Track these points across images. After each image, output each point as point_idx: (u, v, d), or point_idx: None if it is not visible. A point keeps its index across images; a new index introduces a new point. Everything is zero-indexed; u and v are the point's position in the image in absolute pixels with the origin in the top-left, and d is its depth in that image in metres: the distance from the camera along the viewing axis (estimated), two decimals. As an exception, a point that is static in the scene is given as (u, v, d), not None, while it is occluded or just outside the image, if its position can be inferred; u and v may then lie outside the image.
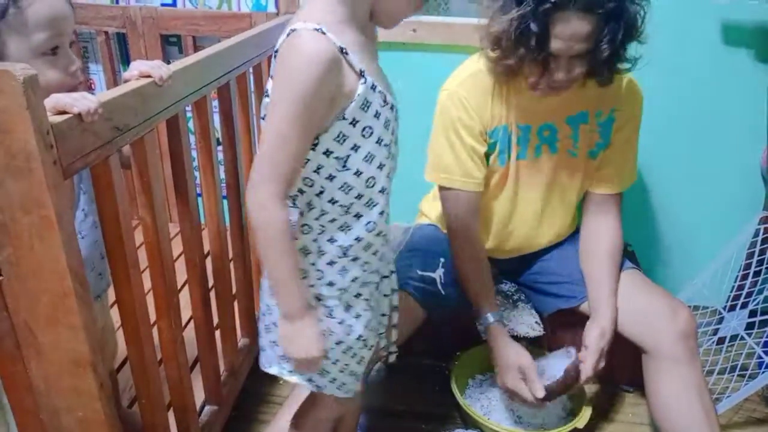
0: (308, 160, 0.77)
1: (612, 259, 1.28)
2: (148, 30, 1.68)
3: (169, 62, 0.92)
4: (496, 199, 1.32)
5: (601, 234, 1.31)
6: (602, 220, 1.31)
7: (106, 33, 1.71)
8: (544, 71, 1.08)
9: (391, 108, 0.82)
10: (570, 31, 1.01)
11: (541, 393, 1.18)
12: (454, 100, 1.21)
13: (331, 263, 0.84)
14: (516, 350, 1.23)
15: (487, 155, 1.26)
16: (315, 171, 0.78)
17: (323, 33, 0.71)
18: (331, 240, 0.83)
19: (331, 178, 0.78)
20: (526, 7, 1.01)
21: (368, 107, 0.76)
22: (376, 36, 0.85)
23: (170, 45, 1.76)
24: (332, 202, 0.80)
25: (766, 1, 1.38)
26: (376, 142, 0.79)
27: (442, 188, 1.29)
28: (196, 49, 1.65)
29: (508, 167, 1.27)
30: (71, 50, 0.83)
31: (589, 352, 1.21)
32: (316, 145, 0.76)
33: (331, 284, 0.85)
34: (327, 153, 0.77)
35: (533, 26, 1.01)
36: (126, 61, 1.79)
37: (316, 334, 0.83)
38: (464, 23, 1.59)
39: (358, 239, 0.83)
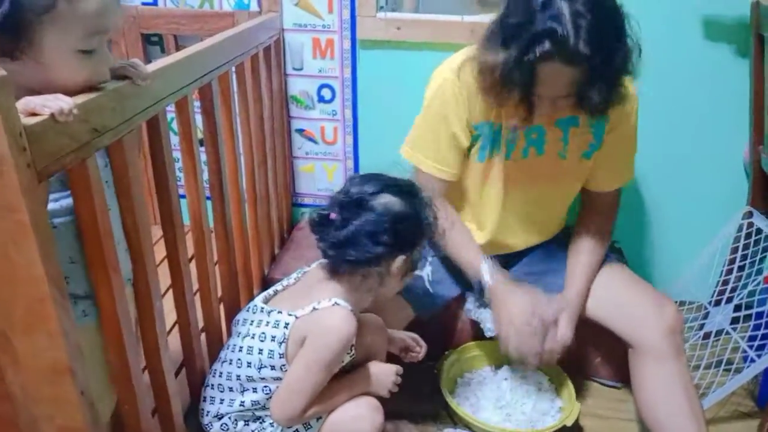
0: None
1: (591, 253, 1.29)
2: (129, 29, 1.66)
3: (149, 62, 0.90)
4: (484, 196, 1.31)
5: (588, 229, 1.31)
6: (593, 216, 1.32)
7: (86, 33, 1.68)
8: (529, 112, 1.08)
9: (351, 354, 1.09)
10: (555, 79, 1.01)
11: (552, 315, 1.20)
12: (447, 86, 1.20)
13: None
14: (527, 294, 1.23)
15: (469, 148, 1.26)
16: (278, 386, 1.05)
17: (354, 314, 1.03)
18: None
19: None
20: (511, 53, 0.99)
21: None
22: None
23: (151, 44, 1.73)
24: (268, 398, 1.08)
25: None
26: None
27: (415, 168, 1.29)
28: (178, 48, 1.63)
29: (490, 164, 1.26)
30: (107, 47, 0.78)
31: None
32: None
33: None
34: None
35: (517, 75, 1.00)
36: (106, 61, 1.76)
37: None
38: (448, 20, 1.58)
39: None
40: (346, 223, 1.02)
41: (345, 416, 1.08)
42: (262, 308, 1.08)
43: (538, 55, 0.96)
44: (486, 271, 1.24)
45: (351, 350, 1.07)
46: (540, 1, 0.96)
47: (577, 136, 1.23)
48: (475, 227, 1.35)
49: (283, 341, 1.02)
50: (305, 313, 1.03)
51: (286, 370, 1.03)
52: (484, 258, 1.26)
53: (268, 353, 1.03)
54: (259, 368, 1.04)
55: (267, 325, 1.05)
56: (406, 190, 1.06)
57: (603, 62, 0.97)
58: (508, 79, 1.02)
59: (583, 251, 1.30)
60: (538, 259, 1.40)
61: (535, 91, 1.04)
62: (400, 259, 1.05)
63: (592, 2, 0.95)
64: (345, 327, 1.02)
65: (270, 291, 1.14)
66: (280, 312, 1.05)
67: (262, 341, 1.04)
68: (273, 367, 1.04)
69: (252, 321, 1.07)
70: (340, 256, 1.04)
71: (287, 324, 1.03)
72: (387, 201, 1.03)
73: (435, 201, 1.25)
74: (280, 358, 1.03)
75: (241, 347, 1.06)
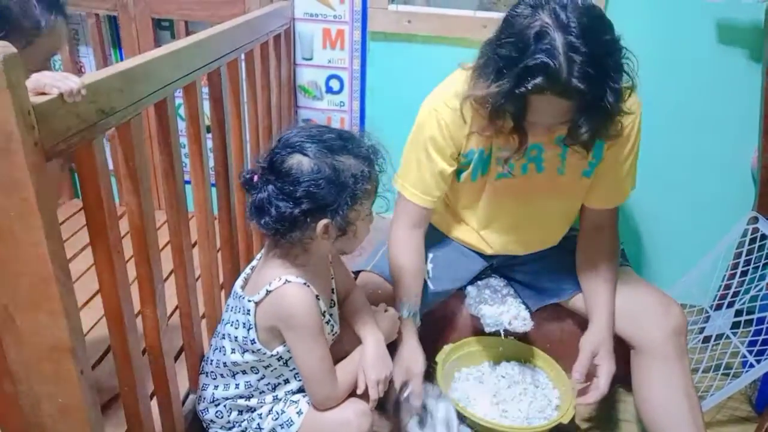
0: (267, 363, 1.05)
1: (610, 281, 1.26)
2: (140, 13, 1.66)
3: (159, 46, 0.90)
4: (480, 208, 1.30)
5: (598, 251, 1.28)
6: (598, 236, 1.29)
7: (97, 15, 1.69)
8: (521, 141, 1.06)
9: (333, 332, 1.09)
10: (548, 109, 0.98)
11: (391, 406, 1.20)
12: (432, 120, 1.18)
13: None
14: (412, 353, 1.21)
15: (460, 171, 1.24)
16: (265, 367, 1.06)
17: (307, 286, 1.00)
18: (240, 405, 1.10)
19: (272, 370, 1.07)
20: (504, 85, 0.97)
21: None
22: (329, 264, 1.12)
23: (162, 29, 1.73)
24: (259, 379, 1.08)
25: (760, 0, 1.38)
26: None
27: (400, 193, 1.27)
28: (189, 34, 1.63)
29: (483, 182, 1.25)
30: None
31: (582, 357, 1.22)
32: (273, 355, 1.03)
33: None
34: (279, 358, 1.05)
35: (509, 106, 0.99)
36: (117, 44, 1.76)
37: None
38: (458, 15, 1.58)
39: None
40: (263, 187, 0.96)
41: (330, 421, 1.05)
42: (237, 294, 1.06)
43: (530, 88, 0.94)
44: (403, 310, 1.23)
45: (325, 316, 1.05)
46: (534, 31, 0.93)
47: (576, 153, 1.19)
48: (475, 229, 1.35)
49: (251, 327, 1.01)
50: (261, 298, 1.00)
51: (264, 353, 1.03)
52: (408, 304, 1.24)
53: (243, 339, 1.03)
54: (242, 353, 1.04)
55: (239, 311, 1.03)
56: (327, 146, 0.96)
57: (597, 97, 0.94)
58: (500, 110, 1.01)
59: (600, 282, 1.26)
60: (540, 263, 1.39)
61: (527, 119, 1.02)
62: (321, 224, 0.95)
63: (587, 35, 0.92)
64: (304, 299, 0.99)
65: (248, 270, 1.11)
66: (244, 298, 1.03)
67: (236, 328, 1.03)
68: (252, 351, 1.03)
69: (231, 307, 1.07)
70: (257, 222, 0.97)
71: (249, 311, 1.01)
72: (295, 162, 0.94)
73: (411, 239, 1.26)
74: (253, 343, 1.02)
75: (224, 334, 1.07)
